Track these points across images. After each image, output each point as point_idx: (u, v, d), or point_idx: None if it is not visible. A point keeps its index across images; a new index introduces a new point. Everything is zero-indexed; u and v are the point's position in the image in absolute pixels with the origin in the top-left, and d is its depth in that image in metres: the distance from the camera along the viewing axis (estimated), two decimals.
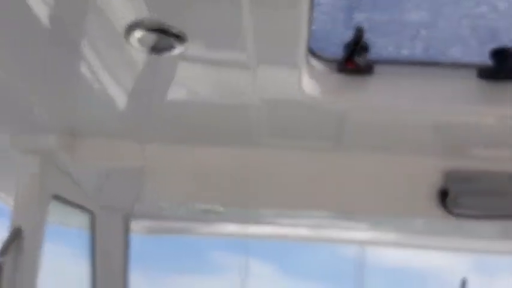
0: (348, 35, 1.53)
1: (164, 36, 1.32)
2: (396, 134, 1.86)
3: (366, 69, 1.60)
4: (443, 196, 1.95)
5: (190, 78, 1.58)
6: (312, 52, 1.60)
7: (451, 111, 1.69)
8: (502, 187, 1.94)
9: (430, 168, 1.97)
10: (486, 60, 1.61)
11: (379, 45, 1.62)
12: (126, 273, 2.42)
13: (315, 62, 1.61)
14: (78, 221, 2.62)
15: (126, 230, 2.47)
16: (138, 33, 1.32)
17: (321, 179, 2.01)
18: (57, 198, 2.01)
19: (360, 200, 2.01)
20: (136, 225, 2.93)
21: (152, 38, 1.33)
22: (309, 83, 1.60)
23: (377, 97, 1.65)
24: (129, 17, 1.27)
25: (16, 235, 1.80)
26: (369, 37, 1.59)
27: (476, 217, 1.93)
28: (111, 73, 1.58)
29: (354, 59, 1.53)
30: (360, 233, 2.86)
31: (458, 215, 1.93)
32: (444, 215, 1.95)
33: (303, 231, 2.93)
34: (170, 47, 1.37)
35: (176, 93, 1.70)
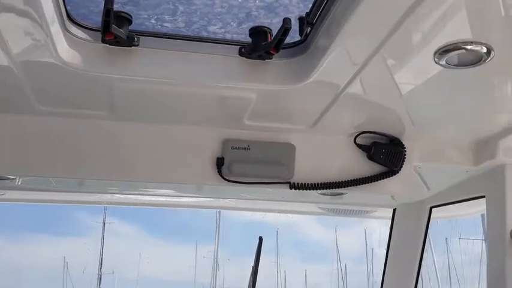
0: None
1: None
2: (172, 104, 1.92)
3: (129, 41, 1.62)
4: (220, 164, 2.06)
5: None
6: (72, 20, 1.59)
7: (216, 86, 1.77)
8: (271, 155, 2.10)
9: (208, 137, 2.07)
10: (247, 38, 1.71)
11: (143, 18, 1.65)
12: None
13: (76, 30, 1.60)
14: None
15: None
16: None
17: (99, 148, 2.02)
18: None
19: (141, 168, 2.06)
20: None
21: None
22: (69, 51, 1.59)
23: (142, 69, 1.68)
24: None
25: None
26: (131, 9, 1.61)
27: (247, 183, 2.08)
28: None
29: (112, 31, 1.54)
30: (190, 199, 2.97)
31: (231, 182, 2.06)
32: (220, 181, 2.07)
33: (153, 199, 2.99)
34: None
35: None
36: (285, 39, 1.60)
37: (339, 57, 1.58)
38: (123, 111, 1.95)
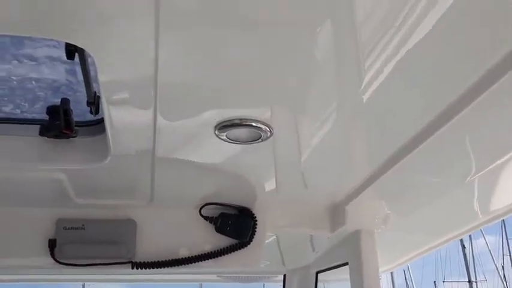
0: None
1: None
2: None
3: None
4: (52, 246, 1.95)
5: None
6: None
7: (19, 169, 1.69)
8: (109, 234, 1.98)
9: (40, 218, 1.97)
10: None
11: None
12: None
13: None
14: None
15: None
16: None
17: None
18: None
19: None
20: None
21: None
22: None
23: None
24: None
25: None
26: None
27: (83, 265, 1.95)
28: None
29: None
30: None
31: (64, 264, 1.94)
32: (54, 264, 1.94)
33: None
34: None
35: None
36: (71, 119, 1.53)
37: (127, 129, 1.50)
38: None
